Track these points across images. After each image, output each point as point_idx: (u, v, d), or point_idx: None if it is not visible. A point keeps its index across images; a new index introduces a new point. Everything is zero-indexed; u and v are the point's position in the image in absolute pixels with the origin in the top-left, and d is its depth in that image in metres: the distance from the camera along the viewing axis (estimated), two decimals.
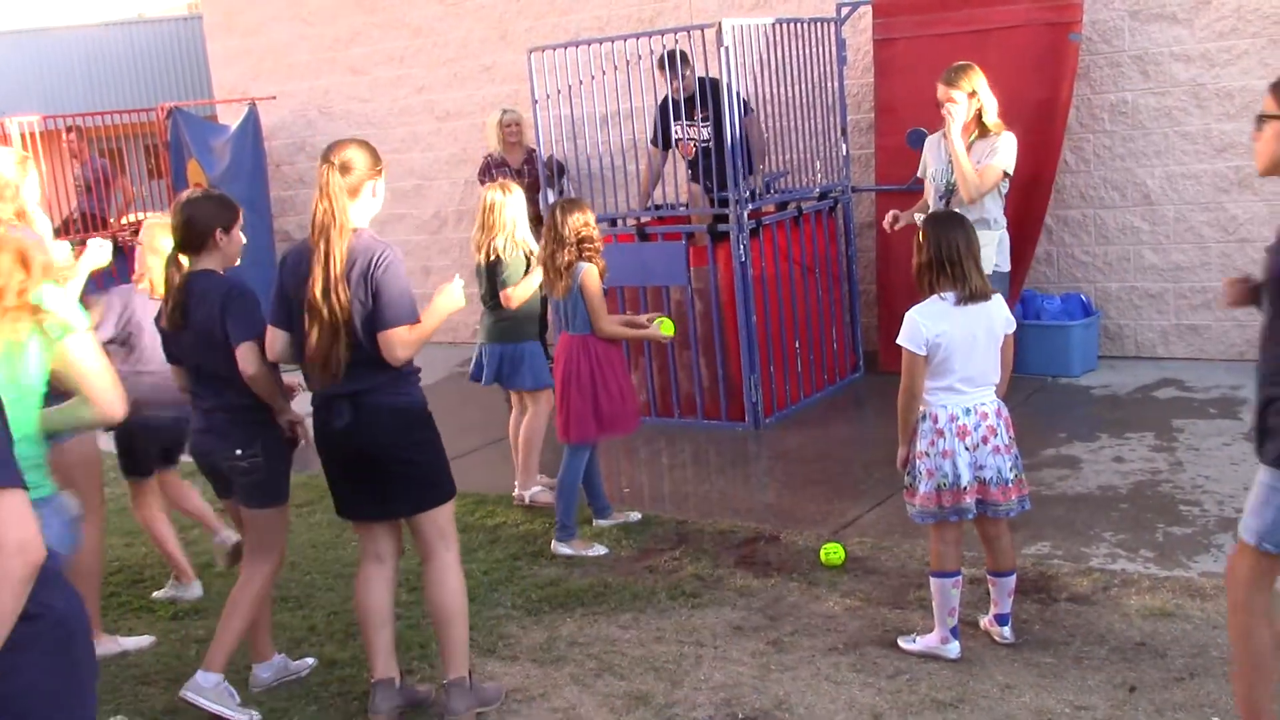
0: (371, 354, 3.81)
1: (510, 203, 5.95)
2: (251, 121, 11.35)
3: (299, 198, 11.88)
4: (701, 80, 7.42)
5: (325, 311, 3.76)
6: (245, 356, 4.02)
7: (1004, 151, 5.80)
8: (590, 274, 5.38)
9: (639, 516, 5.88)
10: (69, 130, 11.32)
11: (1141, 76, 7.80)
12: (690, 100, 7.57)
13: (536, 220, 6.88)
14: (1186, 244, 7.87)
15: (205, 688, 4.17)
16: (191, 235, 4.13)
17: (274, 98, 11.64)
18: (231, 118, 11.78)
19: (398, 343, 3.78)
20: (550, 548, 5.56)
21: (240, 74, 12.19)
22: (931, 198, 6.00)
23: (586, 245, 5.38)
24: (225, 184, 10.25)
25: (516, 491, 6.22)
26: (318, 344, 3.79)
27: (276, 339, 3.98)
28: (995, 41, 7.56)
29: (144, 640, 4.93)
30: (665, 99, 7.79)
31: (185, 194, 4.26)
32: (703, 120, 7.49)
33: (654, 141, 8.07)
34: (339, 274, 3.75)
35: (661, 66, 7.55)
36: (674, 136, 7.87)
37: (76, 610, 2.41)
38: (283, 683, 4.45)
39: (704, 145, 7.49)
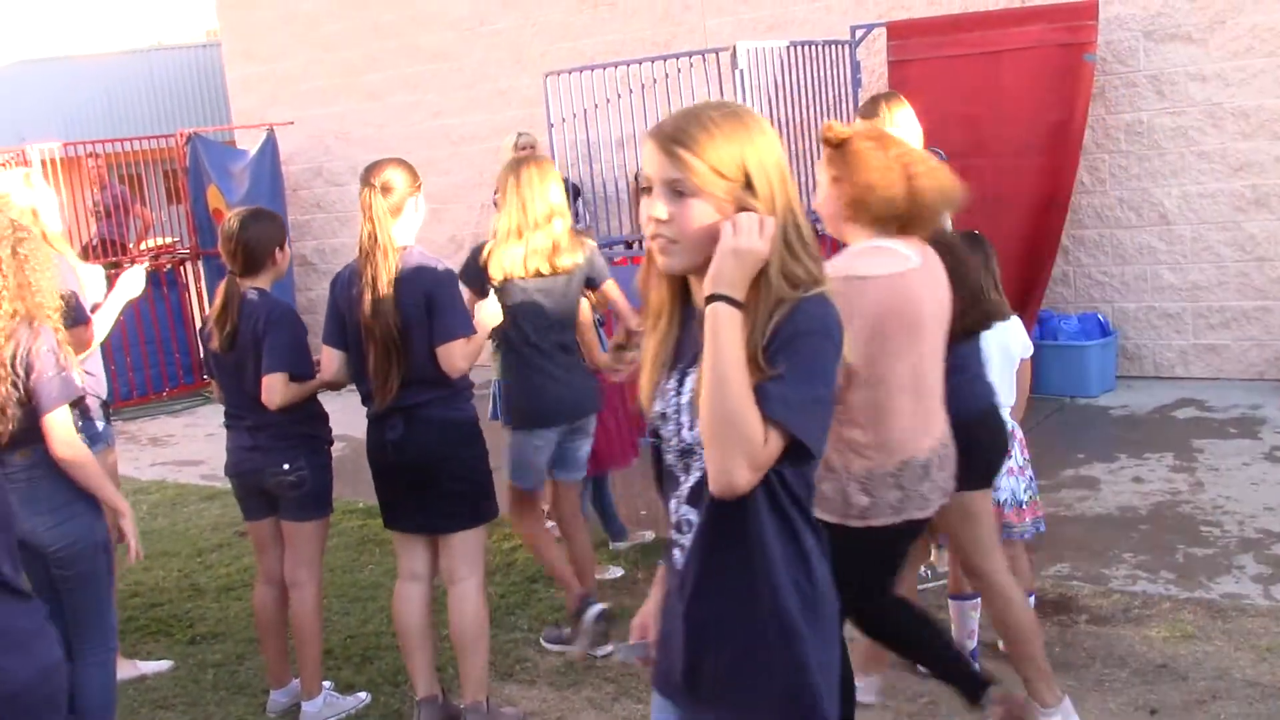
0: (425, 370, 3.86)
1: None
2: (270, 147, 11.43)
3: (316, 222, 11.95)
4: None
5: (378, 331, 3.81)
6: (270, 388, 4.04)
7: None
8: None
9: (652, 536, 5.87)
10: (91, 156, 11.41)
11: (1157, 96, 7.80)
12: None
13: None
14: (1204, 263, 7.85)
15: (313, 711, 4.30)
16: (255, 256, 4.15)
17: (292, 123, 11.72)
18: (250, 143, 11.87)
19: (458, 354, 3.84)
20: None
21: (258, 100, 12.28)
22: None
23: None
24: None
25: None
26: (376, 363, 3.85)
27: (333, 359, 4.02)
28: (1010, 63, 7.58)
29: (162, 665, 4.93)
30: None
31: (236, 214, 4.24)
32: None
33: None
34: (387, 294, 3.81)
35: None
36: None
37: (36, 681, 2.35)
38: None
39: None
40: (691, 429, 2.00)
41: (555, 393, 4.55)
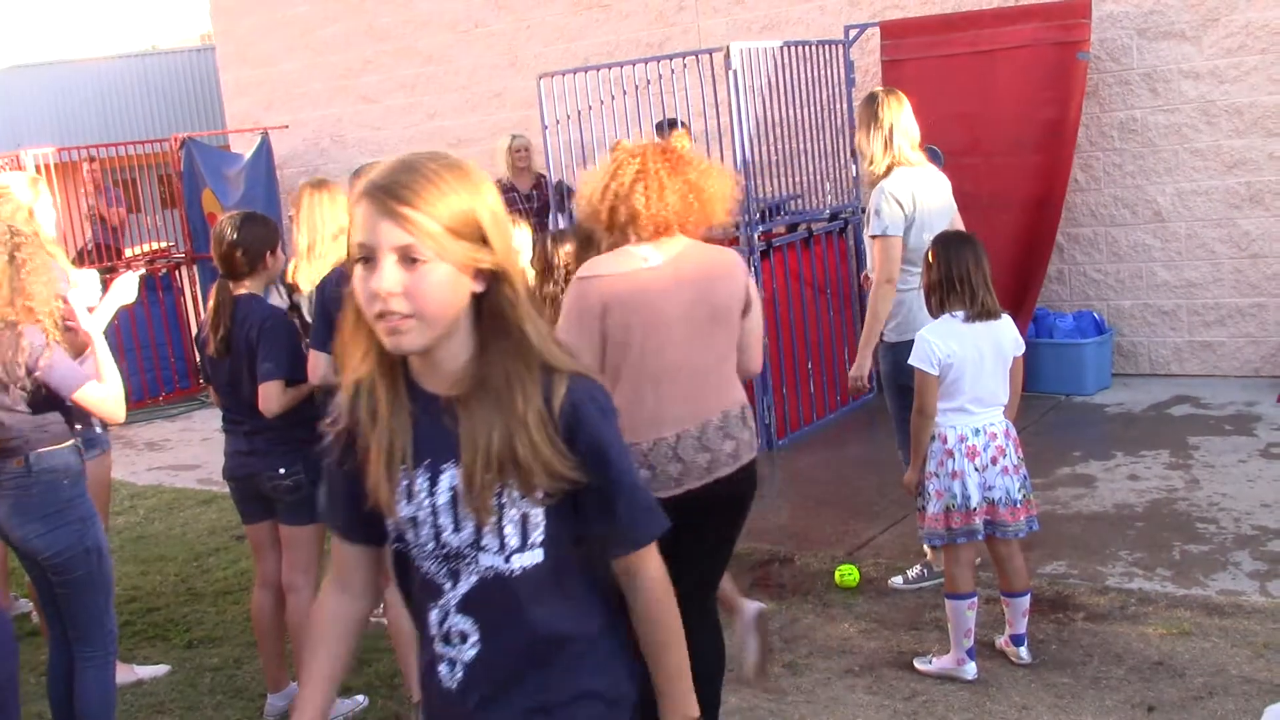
0: None
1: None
2: (264, 150, 11.43)
3: None
4: None
5: None
6: (266, 396, 4.05)
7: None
8: None
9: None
10: (90, 160, 11.40)
11: (1151, 94, 7.81)
12: None
13: None
14: (1199, 260, 7.86)
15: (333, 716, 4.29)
16: (246, 259, 4.14)
17: (286, 127, 11.72)
18: (244, 147, 11.86)
19: None
20: None
21: (253, 104, 12.28)
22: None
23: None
24: None
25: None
26: None
27: (321, 362, 4.00)
28: (1003, 62, 7.58)
29: (159, 669, 4.93)
30: None
31: (228, 219, 4.22)
32: None
33: None
34: None
35: (659, 130, 7.61)
36: None
37: None
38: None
39: None
40: (457, 530, 1.84)
41: None
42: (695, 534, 3.30)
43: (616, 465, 1.85)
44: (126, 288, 4.85)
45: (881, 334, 4.90)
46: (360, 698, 4.49)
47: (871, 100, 4.89)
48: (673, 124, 7.61)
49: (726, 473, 3.40)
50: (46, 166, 10.45)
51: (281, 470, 4.15)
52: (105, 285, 5.02)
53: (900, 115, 4.85)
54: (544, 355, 1.80)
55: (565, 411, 1.80)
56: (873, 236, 4.82)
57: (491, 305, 1.79)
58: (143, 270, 5.41)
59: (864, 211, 5.49)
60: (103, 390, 3.65)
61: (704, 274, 3.36)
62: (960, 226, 4.86)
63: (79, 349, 4.31)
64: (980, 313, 4.03)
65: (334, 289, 3.95)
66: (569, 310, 3.32)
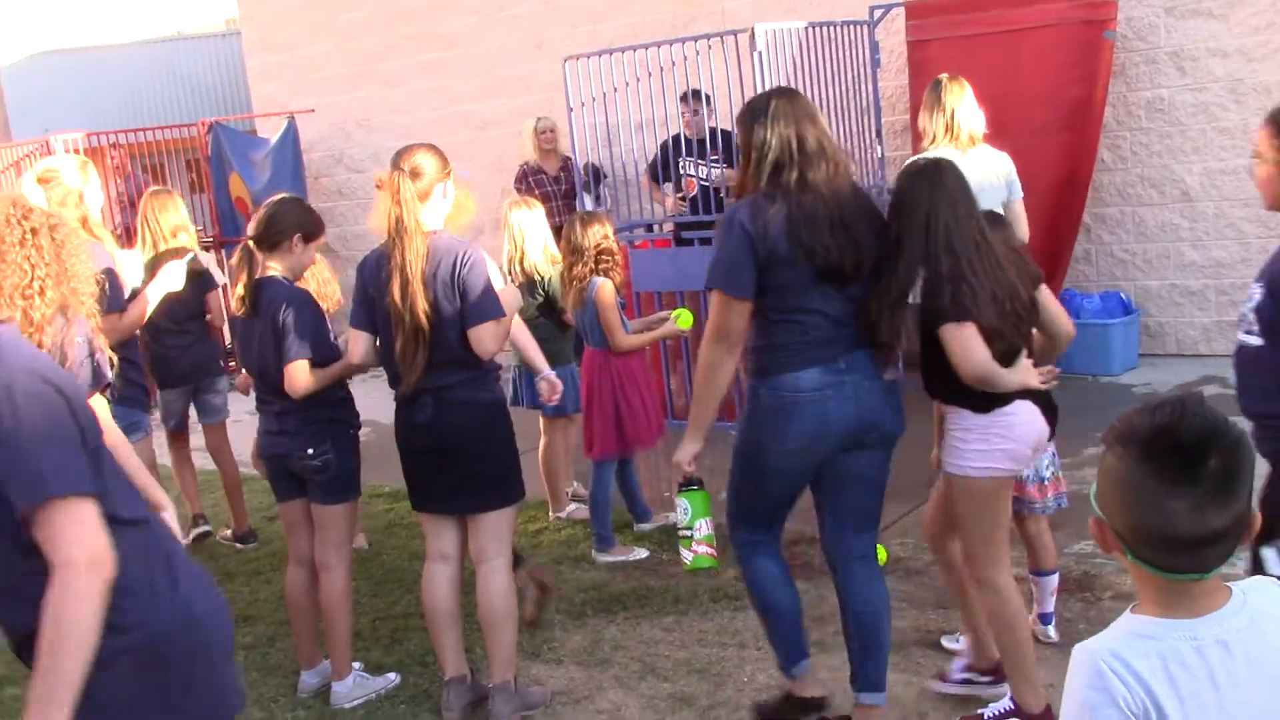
0: (454, 352, 3.90)
1: (520, 220, 5.80)
2: (291, 134, 11.48)
3: (337, 209, 12.00)
4: (714, 130, 7.56)
5: (407, 313, 3.85)
6: (293, 375, 4.10)
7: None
8: (604, 289, 5.35)
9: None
10: (114, 147, 11.49)
11: (1178, 73, 7.76)
12: (701, 142, 7.66)
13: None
14: (1227, 240, 7.82)
15: (344, 691, 4.38)
16: (269, 231, 4.22)
17: (312, 111, 11.77)
18: (271, 131, 11.92)
19: (489, 336, 3.88)
20: (591, 554, 5.59)
21: (279, 88, 12.33)
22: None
23: (605, 259, 5.38)
24: (267, 197, 10.35)
25: (551, 515, 6.21)
26: (404, 346, 3.88)
27: (360, 341, 4.07)
28: (1029, 41, 7.55)
29: None
30: (673, 136, 7.86)
31: (279, 197, 4.41)
32: (713, 161, 7.58)
33: (650, 173, 8.09)
34: (415, 276, 3.84)
35: (684, 100, 7.62)
36: (682, 171, 7.91)
37: (180, 630, 2.25)
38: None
39: (707, 184, 7.61)
40: None
41: None
42: None
43: None
44: (174, 275, 4.90)
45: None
46: (392, 675, 4.55)
47: (936, 85, 5.36)
48: (697, 95, 7.62)
49: None
50: (76, 152, 10.53)
51: (310, 450, 4.20)
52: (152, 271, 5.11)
53: (962, 100, 5.27)
54: None
55: None
56: None
57: None
58: (192, 255, 5.52)
59: (890, 193, 5.63)
60: (102, 408, 3.63)
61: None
62: (1018, 209, 5.27)
63: (117, 334, 4.39)
64: None
65: (373, 272, 4.00)
66: None
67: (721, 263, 3.49)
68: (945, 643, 4.29)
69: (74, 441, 2.11)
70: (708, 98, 7.62)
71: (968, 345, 3.36)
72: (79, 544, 2.03)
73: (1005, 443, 3.51)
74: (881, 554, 5.07)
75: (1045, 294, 3.64)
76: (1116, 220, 8.15)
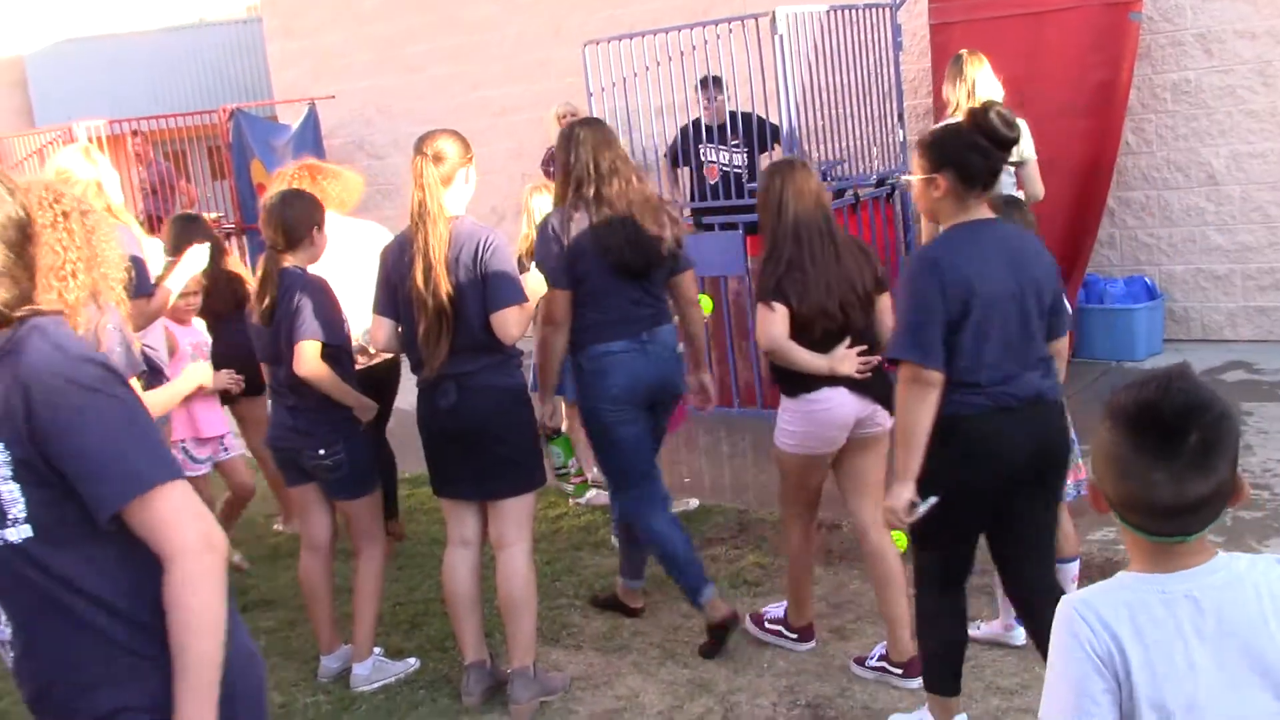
0: (476, 337, 3.91)
1: (539, 206, 5.76)
2: (311, 121, 11.50)
3: None
4: (733, 114, 7.51)
5: (430, 299, 3.86)
6: (300, 355, 4.09)
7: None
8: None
9: (697, 504, 5.89)
10: (135, 134, 11.53)
11: (1205, 55, 7.67)
12: (721, 127, 7.61)
13: None
14: (1254, 224, 7.73)
15: (364, 675, 4.40)
16: (293, 232, 4.21)
17: (333, 97, 11.78)
18: (292, 118, 11.94)
19: (512, 321, 3.89)
20: (611, 540, 5.59)
21: (299, 75, 12.35)
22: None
23: None
24: None
25: (571, 501, 6.19)
26: (427, 331, 3.90)
27: (383, 327, 4.09)
28: (1053, 23, 7.47)
29: None
30: (693, 121, 7.82)
31: (279, 193, 4.36)
32: (734, 146, 7.54)
33: (669, 158, 8.06)
34: (438, 261, 3.85)
35: (704, 86, 7.58)
36: (703, 158, 7.87)
37: (244, 664, 2.14)
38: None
39: (729, 170, 7.56)
40: None
41: None
42: None
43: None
44: (198, 257, 4.91)
45: None
46: (412, 660, 4.55)
47: (958, 59, 5.91)
48: (714, 82, 7.58)
49: None
50: (98, 138, 10.58)
51: (321, 451, 4.21)
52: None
53: (980, 71, 5.86)
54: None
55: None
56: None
57: None
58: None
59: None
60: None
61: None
62: (1032, 171, 5.94)
63: (144, 319, 4.41)
64: None
65: (396, 257, 4.00)
66: None
67: (545, 262, 4.24)
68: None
69: (152, 427, 2.02)
70: (720, 81, 7.56)
71: (769, 322, 3.89)
72: (191, 527, 1.95)
73: (811, 425, 3.98)
74: (901, 540, 5.05)
75: (884, 300, 4.07)
76: (1141, 204, 8.07)
